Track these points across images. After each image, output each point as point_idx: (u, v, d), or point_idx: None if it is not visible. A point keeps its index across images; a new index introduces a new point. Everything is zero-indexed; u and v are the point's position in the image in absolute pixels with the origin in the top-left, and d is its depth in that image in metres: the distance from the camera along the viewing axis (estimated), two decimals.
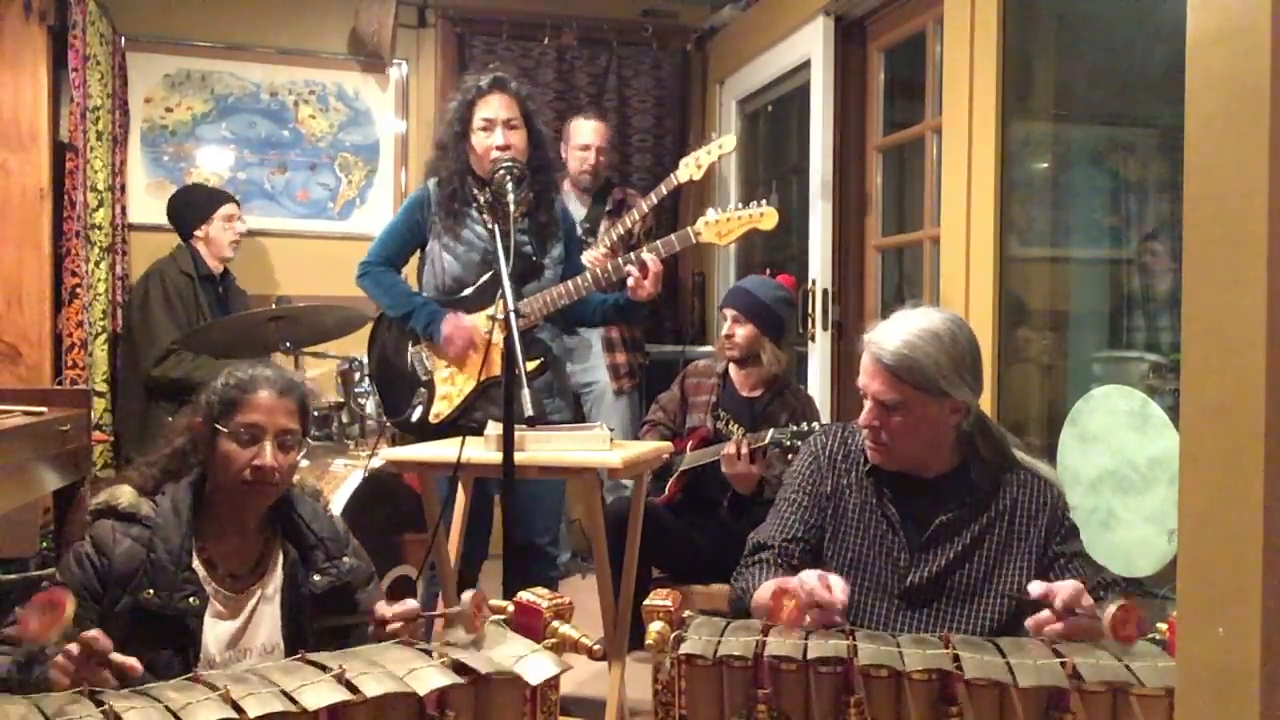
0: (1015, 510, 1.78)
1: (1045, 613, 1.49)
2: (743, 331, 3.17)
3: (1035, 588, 1.52)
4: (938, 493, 1.80)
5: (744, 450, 2.91)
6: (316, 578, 1.81)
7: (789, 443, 2.84)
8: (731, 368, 3.28)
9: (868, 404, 1.79)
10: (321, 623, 1.79)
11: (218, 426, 1.79)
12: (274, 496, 1.81)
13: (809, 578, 1.52)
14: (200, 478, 1.82)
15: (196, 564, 1.75)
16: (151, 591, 1.68)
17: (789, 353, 3.34)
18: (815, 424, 2.89)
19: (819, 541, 1.85)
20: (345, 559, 1.86)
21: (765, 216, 2.66)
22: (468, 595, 1.35)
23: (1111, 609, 1.40)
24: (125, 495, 1.76)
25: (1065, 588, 1.50)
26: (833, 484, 1.86)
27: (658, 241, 2.72)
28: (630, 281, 2.65)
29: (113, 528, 1.72)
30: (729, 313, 3.22)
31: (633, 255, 2.69)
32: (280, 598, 1.82)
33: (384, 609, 1.60)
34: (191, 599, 1.71)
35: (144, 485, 1.79)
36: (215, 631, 1.75)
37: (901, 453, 1.79)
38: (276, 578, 1.82)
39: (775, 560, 1.81)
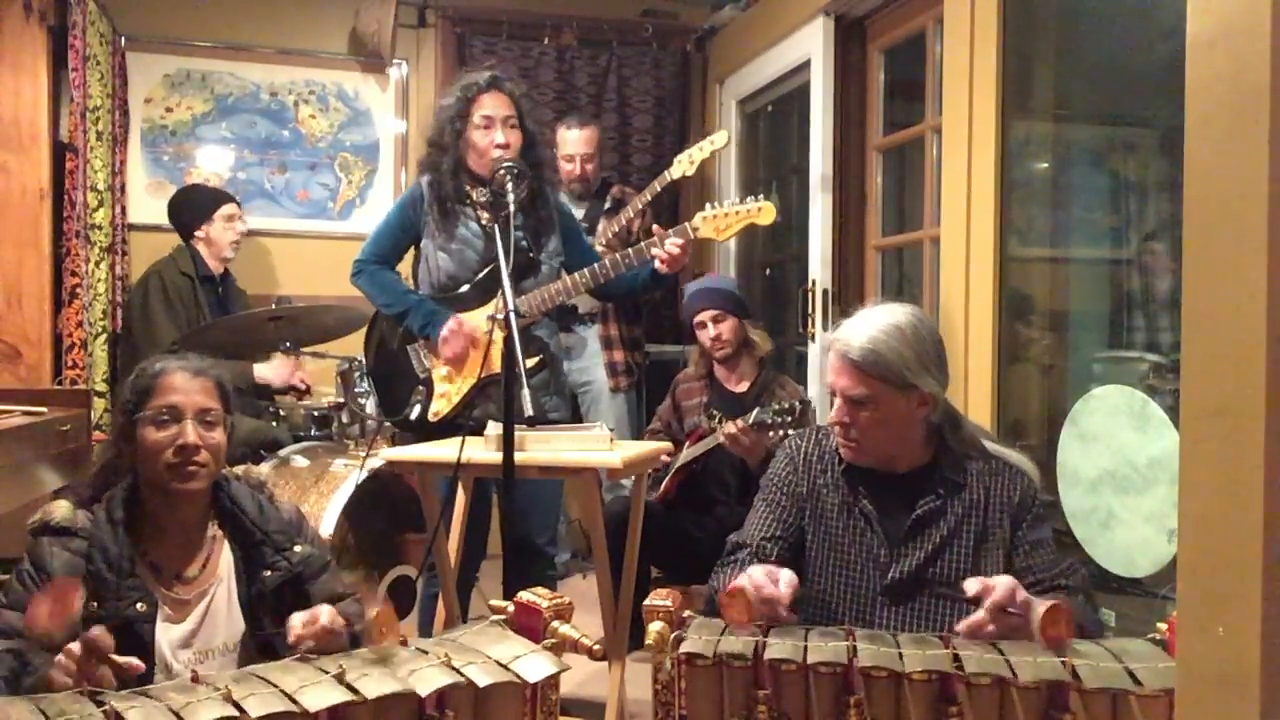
0: (988, 499, 1.79)
1: (978, 614, 1.48)
2: (727, 326, 3.27)
3: (971, 585, 1.52)
4: (911, 487, 1.81)
5: (742, 427, 2.97)
6: (267, 574, 1.78)
7: (771, 419, 2.91)
8: (717, 368, 3.34)
9: (837, 401, 1.81)
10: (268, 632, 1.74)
11: (136, 417, 1.76)
12: (205, 480, 1.77)
13: (757, 574, 1.54)
14: (134, 484, 1.78)
15: (140, 569, 1.71)
16: (95, 603, 1.63)
17: (765, 328, 3.49)
18: (796, 402, 2.94)
19: (796, 540, 1.87)
20: (297, 548, 1.81)
21: (763, 211, 2.66)
22: (372, 612, 1.33)
23: (1041, 609, 1.40)
24: (59, 510, 1.73)
25: (1000, 586, 1.49)
26: (809, 485, 1.88)
27: (670, 230, 2.71)
28: (658, 264, 2.67)
29: (48, 544, 1.69)
30: (707, 315, 3.30)
31: (644, 245, 2.69)
32: (238, 595, 1.79)
33: (296, 628, 1.54)
34: (139, 605, 1.67)
35: (80, 500, 1.76)
36: (169, 635, 1.72)
37: (872, 448, 1.81)
38: (227, 576, 1.80)
39: (751, 559, 1.82)
